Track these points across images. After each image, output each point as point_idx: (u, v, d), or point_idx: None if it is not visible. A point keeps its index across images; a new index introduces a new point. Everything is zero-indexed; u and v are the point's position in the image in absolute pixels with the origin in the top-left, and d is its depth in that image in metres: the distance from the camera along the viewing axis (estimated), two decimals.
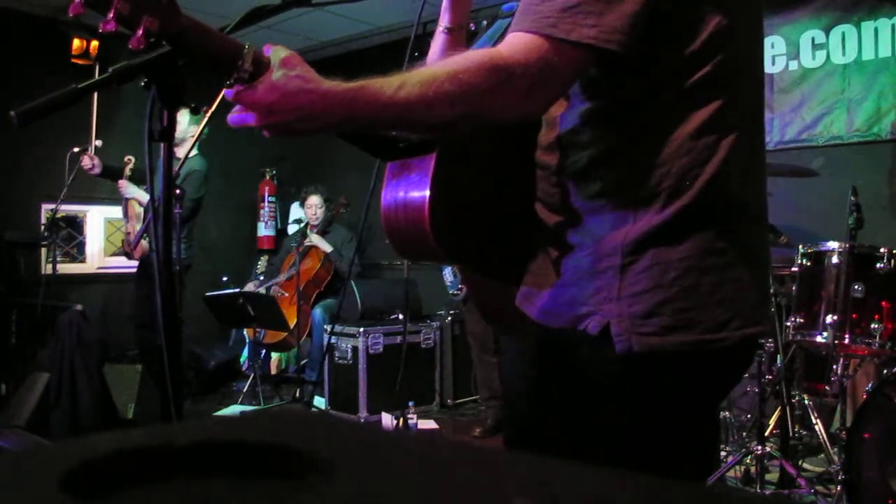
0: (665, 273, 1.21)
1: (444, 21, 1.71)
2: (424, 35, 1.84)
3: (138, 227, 5.43)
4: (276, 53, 1.15)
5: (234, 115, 1.17)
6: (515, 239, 1.43)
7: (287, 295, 6.43)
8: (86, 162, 5.18)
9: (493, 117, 1.20)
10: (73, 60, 6.36)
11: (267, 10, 1.25)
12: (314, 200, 6.67)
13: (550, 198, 1.36)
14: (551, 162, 1.35)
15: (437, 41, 1.74)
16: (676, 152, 1.22)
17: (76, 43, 6.33)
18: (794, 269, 3.47)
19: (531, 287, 1.39)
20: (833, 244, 3.32)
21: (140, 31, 1.04)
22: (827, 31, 5.01)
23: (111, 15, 1.01)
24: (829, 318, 3.21)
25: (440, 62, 1.19)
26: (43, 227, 6.12)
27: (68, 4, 1.00)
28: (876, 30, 4.82)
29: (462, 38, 1.76)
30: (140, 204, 5.46)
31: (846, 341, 3.17)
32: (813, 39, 5.07)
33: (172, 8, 1.07)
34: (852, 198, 3.52)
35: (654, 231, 1.22)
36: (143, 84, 1.13)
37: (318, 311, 6.34)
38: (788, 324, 3.42)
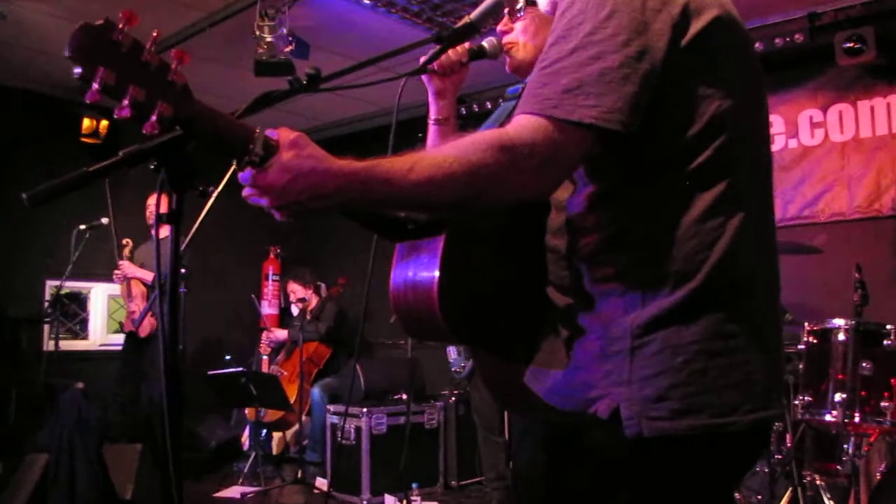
0: (674, 357, 1.20)
1: (431, 113, 1.79)
2: (420, 118, 1.90)
3: (142, 305, 5.52)
4: (283, 135, 1.16)
5: (248, 196, 1.18)
6: (525, 319, 1.43)
7: (286, 373, 6.39)
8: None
9: (503, 197, 1.21)
10: (83, 139, 6.48)
11: (275, 96, 1.28)
12: (293, 287, 6.69)
13: (561, 280, 1.36)
14: (561, 245, 1.36)
15: (430, 132, 1.80)
16: (684, 235, 1.22)
17: (86, 122, 6.46)
18: (801, 346, 3.45)
19: (540, 367, 1.38)
20: (839, 321, 3.30)
21: (154, 117, 1.06)
22: (824, 110, 5.10)
23: (126, 102, 1.03)
24: (837, 397, 3.17)
25: (450, 144, 1.21)
26: (47, 303, 6.13)
27: (79, 86, 1.02)
28: (872, 108, 4.91)
29: (453, 127, 1.83)
30: (144, 283, 5.57)
31: (856, 420, 3.13)
32: (811, 118, 5.15)
33: (186, 94, 1.09)
34: (856, 274, 3.53)
35: (663, 314, 1.22)
36: (152, 167, 1.14)
37: (316, 391, 6.29)
38: (797, 402, 3.38)
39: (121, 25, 1.03)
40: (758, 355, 1.24)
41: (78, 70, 1.00)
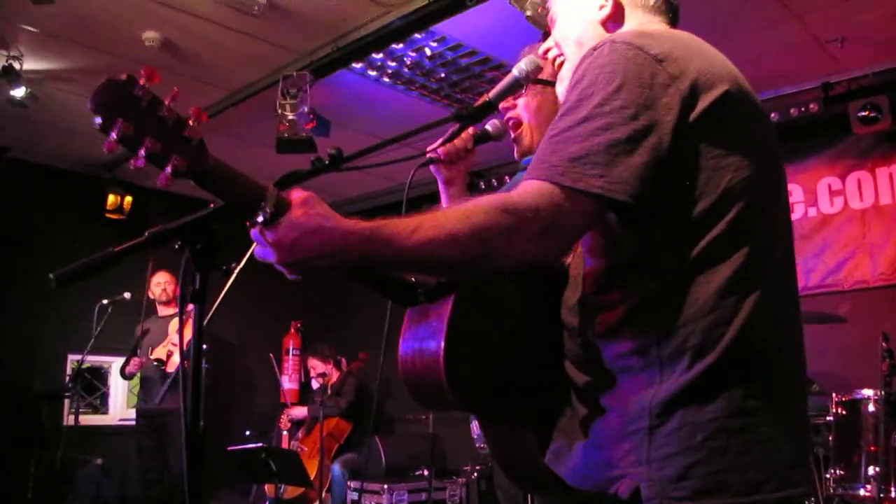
0: (694, 434, 1.18)
1: (443, 202, 1.83)
2: (427, 197, 1.92)
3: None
4: (294, 194, 1.18)
5: (258, 252, 1.20)
6: (539, 393, 1.40)
7: (307, 449, 6.32)
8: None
9: (505, 260, 1.20)
10: (108, 215, 6.60)
11: (299, 175, 1.30)
12: (313, 362, 6.71)
13: (577, 356, 1.35)
14: (576, 322, 1.35)
15: None
16: (701, 310, 1.21)
17: (111, 198, 6.60)
18: (829, 418, 3.37)
19: (561, 445, 1.36)
20: (868, 392, 3.24)
21: (168, 170, 1.08)
22: (843, 178, 5.11)
23: (142, 153, 1.06)
24: (870, 470, 3.09)
25: (455, 206, 1.22)
26: (68, 378, 6.14)
27: (105, 162, 1.04)
28: (891, 175, 4.91)
29: None
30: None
31: (892, 495, 3.04)
32: (830, 186, 5.15)
33: (201, 149, 1.12)
34: (883, 343, 3.47)
35: (681, 391, 1.19)
36: (176, 247, 1.16)
37: (337, 467, 6.21)
38: (828, 476, 3.29)
39: (142, 81, 1.07)
40: (781, 431, 1.21)
41: (98, 120, 1.03)
